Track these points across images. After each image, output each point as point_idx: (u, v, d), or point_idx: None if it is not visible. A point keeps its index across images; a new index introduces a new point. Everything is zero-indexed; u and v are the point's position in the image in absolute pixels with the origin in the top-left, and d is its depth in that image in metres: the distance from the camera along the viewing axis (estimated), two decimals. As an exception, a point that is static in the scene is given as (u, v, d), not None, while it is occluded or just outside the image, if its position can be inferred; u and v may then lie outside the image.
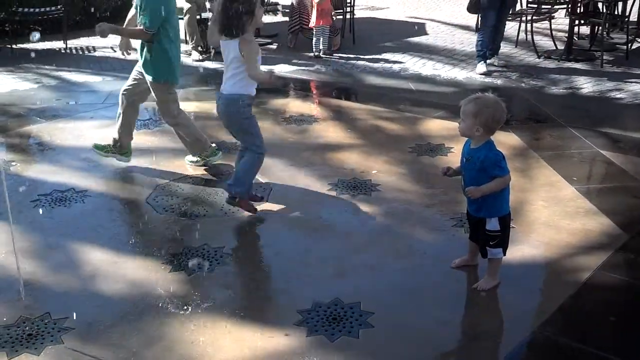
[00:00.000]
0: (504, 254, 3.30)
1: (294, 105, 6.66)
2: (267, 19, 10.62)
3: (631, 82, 7.07)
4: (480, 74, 7.38)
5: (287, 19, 9.50)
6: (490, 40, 7.42)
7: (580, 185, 4.55)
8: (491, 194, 3.14)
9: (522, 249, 3.68)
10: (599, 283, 3.40)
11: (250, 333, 3.01)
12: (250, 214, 4.15)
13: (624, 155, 5.10)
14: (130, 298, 3.28)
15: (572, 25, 8.06)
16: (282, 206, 4.28)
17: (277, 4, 11.77)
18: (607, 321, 3.11)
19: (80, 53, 8.93)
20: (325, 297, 3.26)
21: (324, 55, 8.35)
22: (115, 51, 8.88)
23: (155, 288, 3.36)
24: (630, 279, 3.47)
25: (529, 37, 8.53)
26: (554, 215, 4.11)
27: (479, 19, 8.14)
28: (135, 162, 4.99)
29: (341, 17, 9.06)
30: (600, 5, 8.37)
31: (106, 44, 8.95)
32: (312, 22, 8.35)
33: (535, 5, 8.35)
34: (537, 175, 4.76)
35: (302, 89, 7.40)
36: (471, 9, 7.77)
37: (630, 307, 3.26)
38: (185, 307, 3.19)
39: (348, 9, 9.08)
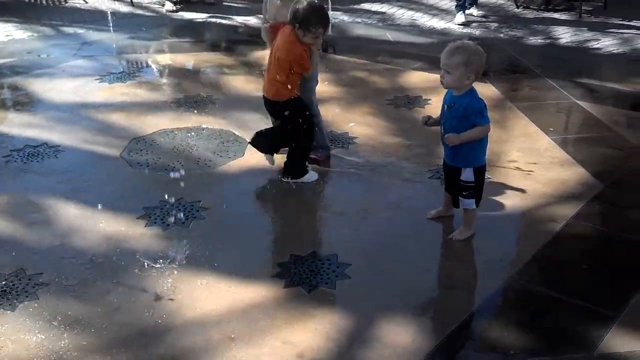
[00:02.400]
0: (477, 206, 3.31)
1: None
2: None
3: (609, 32, 7.05)
4: (459, 25, 7.31)
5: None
6: None
7: (557, 135, 4.57)
8: (468, 143, 3.13)
9: (497, 199, 3.70)
10: (573, 232, 3.44)
11: (227, 286, 3.01)
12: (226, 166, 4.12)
13: (601, 105, 5.12)
14: (106, 253, 3.25)
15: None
16: (258, 160, 4.24)
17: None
18: (580, 269, 3.16)
19: (52, 4, 8.67)
20: (303, 250, 3.26)
21: (300, 6, 8.18)
22: (87, 2, 8.64)
23: (130, 243, 3.34)
24: (604, 228, 3.51)
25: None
26: (529, 166, 4.13)
27: None
28: (109, 116, 4.91)
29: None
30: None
31: (77, -5, 8.69)
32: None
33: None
34: (514, 125, 4.76)
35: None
36: None
37: (603, 255, 3.31)
38: (162, 262, 3.18)
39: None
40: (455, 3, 7.43)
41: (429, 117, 3.34)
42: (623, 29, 7.17)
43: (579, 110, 5.06)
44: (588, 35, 6.94)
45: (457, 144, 3.14)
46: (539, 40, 6.85)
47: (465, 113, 3.10)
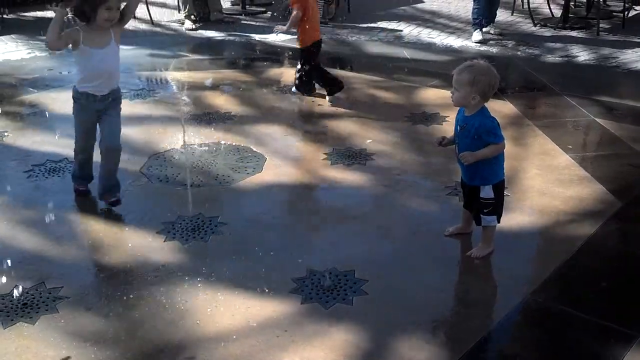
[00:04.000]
0: (498, 222, 3.31)
1: (290, 74, 6.60)
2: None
3: (627, 50, 7.04)
4: (476, 42, 7.33)
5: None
6: (486, 8, 7.35)
7: (575, 153, 4.55)
8: (485, 161, 3.14)
9: (516, 217, 3.69)
10: (591, 250, 3.42)
11: (245, 301, 3.02)
12: (244, 182, 4.15)
13: (619, 123, 5.10)
14: (126, 268, 3.28)
15: (569, -8, 7.99)
16: (276, 175, 4.28)
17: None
18: (600, 287, 3.14)
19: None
20: (320, 265, 3.27)
21: (318, 24, 8.26)
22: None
23: (150, 258, 3.36)
24: (622, 246, 3.49)
25: (526, 4, 8.43)
26: (548, 183, 4.12)
27: None
28: (129, 132, 4.96)
29: (336, -15, 8.95)
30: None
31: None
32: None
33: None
34: (532, 143, 4.76)
35: (292, 58, 7.38)
36: None
37: (622, 273, 3.28)
38: (181, 276, 3.20)
39: (343, -23, 8.98)
40: (472, 21, 7.45)
41: (444, 138, 3.36)
42: (641, 46, 7.16)
43: (598, 128, 5.05)
44: (606, 52, 6.93)
45: (472, 162, 3.14)
46: (557, 58, 6.85)
47: (477, 133, 3.12)
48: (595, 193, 3.99)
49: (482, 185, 3.21)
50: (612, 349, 2.69)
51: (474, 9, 7.41)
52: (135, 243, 3.51)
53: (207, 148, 4.72)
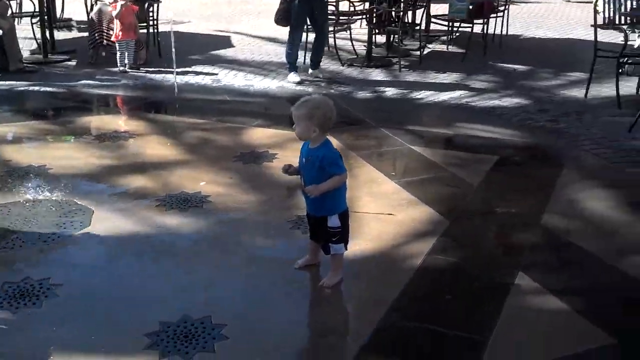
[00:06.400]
0: (346, 249, 3.39)
1: (105, 122, 6.30)
2: (62, 35, 9.96)
3: (426, 83, 7.70)
4: (293, 83, 7.56)
5: (83, 34, 8.98)
6: (297, 51, 7.66)
7: (399, 179, 4.83)
8: (329, 192, 3.21)
9: (357, 243, 3.79)
10: (431, 267, 3.63)
11: (96, 365, 2.76)
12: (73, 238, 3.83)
13: (431, 149, 5.51)
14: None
15: (370, 34, 8.57)
16: (107, 228, 4.01)
17: (70, 19, 11.10)
18: (445, 300, 3.32)
19: None
20: (172, 316, 3.10)
21: (130, 70, 8.01)
22: None
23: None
24: (457, 259, 3.74)
25: (332, 47, 8.90)
26: (380, 209, 4.32)
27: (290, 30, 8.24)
28: None
29: (145, 30, 8.76)
30: (393, 14, 9.01)
31: None
32: (115, 36, 7.97)
33: (334, 17, 8.75)
34: (360, 173, 4.97)
35: (113, 105, 7.07)
36: (280, 21, 7.86)
37: (461, 285, 3.50)
38: (17, 349, 2.84)
39: (151, 22, 8.81)
40: (287, 64, 7.70)
41: (290, 166, 3.39)
42: (438, 79, 7.87)
43: (414, 155, 5.41)
44: (409, 87, 7.51)
45: (317, 195, 3.20)
46: (368, 94, 7.29)
47: (321, 164, 3.20)
48: (424, 214, 4.26)
49: (328, 216, 3.27)
50: (471, 357, 2.85)
51: (287, 52, 7.66)
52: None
53: (24, 206, 4.30)
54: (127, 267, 3.70)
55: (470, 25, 8.88)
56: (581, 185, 4.76)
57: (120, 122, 6.37)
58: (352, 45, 8.92)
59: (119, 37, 7.93)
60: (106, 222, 4.09)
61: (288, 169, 3.38)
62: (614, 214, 4.27)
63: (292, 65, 7.68)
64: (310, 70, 7.82)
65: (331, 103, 3.27)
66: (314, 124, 3.18)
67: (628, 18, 7.63)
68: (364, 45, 8.90)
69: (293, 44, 7.64)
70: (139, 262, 3.73)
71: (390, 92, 7.37)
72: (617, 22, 7.63)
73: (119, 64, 8.02)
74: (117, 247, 3.85)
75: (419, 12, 9.59)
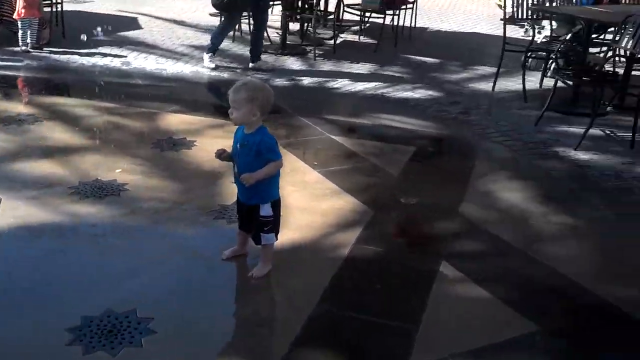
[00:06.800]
0: (277, 239, 3.35)
1: (9, 105, 5.90)
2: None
3: (341, 72, 7.73)
4: (208, 68, 7.38)
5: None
6: (222, 39, 7.50)
7: (322, 168, 4.83)
8: (264, 180, 3.15)
9: (286, 233, 3.74)
10: (359, 256, 3.65)
11: (14, 365, 2.58)
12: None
13: (351, 139, 5.55)
14: None
15: (285, 21, 8.51)
16: (17, 218, 3.75)
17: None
18: (374, 289, 3.36)
19: None
20: (94, 310, 2.95)
21: (32, 50, 7.54)
22: None
23: None
24: (383, 249, 3.78)
25: (245, 33, 8.76)
26: (305, 199, 4.30)
27: (224, 17, 7.97)
28: None
29: (48, 9, 8.26)
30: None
31: None
32: (18, 13, 7.46)
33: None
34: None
35: (16, 86, 6.64)
36: (218, 5, 7.58)
37: (389, 274, 3.54)
38: None
39: (56, 0, 8.33)
40: (210, 46, 7.48)
41: (224, 150, 3.29)
42: (353, 69, 7.92)
43: (334, 144, 5.42)
44: (325, 76, 7.52)
45: (252, 183, 3.14)
46: (285, 82, 7.23)
47: (258, 149, 3.13)
48: (349, 204, 4.27)
49: (261, 204, 3.21)
50: (401, 346, 2.89)
51: (215, 35, 7.47)
52: None
53: None
54: (42, 258, 3.47)
55: (382, 16, 9.00)
56: (494, 176, 4.95)
57: (25, 105, 5.98)
58: (267, 32, 8.81)
59: (22, 15, 7.44)
60: (15, 211, 3.84)
61: (222, 154, 3.28)
62: (527, 204, 4.46)
63: (214, 49, 7.49)
64: (251, 64, 7.64)
65: (269, 87, 3.22)
66: (255, 107, 3.09)
67: (529, 13, 7.95)
68: (277, 32, 8.83)
69: (223, 32, 7.53)
70: (55, 254, 3.51)
71: (306, 80, 7.35)
72: (518, 16, 7.94)
73: (20, 43, 7.53)
74: (30, 237, 3.62)
75: (332, 1, 9.62)
